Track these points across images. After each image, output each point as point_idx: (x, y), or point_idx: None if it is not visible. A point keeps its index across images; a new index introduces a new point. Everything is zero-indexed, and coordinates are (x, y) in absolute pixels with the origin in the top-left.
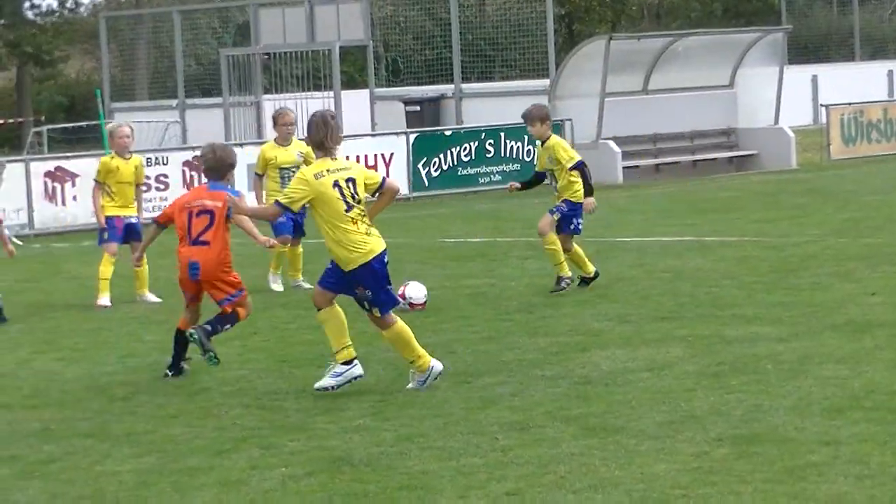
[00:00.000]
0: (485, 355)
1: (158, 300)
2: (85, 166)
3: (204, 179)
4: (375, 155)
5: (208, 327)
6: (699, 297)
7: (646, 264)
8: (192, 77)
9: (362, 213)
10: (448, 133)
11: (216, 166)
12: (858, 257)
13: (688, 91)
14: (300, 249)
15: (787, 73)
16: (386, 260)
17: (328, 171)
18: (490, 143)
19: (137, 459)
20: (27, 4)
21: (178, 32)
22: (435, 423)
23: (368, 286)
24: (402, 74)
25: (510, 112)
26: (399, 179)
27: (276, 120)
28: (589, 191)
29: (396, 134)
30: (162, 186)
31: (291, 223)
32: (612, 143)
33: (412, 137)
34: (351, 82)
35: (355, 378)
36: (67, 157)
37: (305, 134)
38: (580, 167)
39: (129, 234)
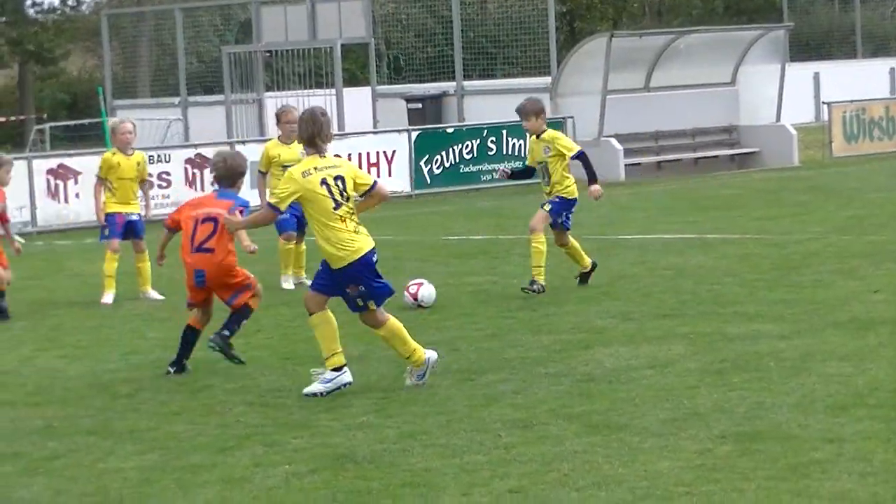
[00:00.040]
0: (488, 353)
1: (161, 297)
2: (87, 164)
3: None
4: (377, 152)
5: (226, 332)
6: (701, 295)
7: (647, 262)
8: (194, 74)
9: (351, 212)
10: (450, 131)
11: (227, 174)
12: (862, 255)
13: (689, 88)
14: (304, 247)
15: (789, 70)
16: (375, 259)
17: (316, 168)
18: (492, 141)
19: (140, 456)
20: (29, 2)
21: (179, 30)
22: (438, 421)
23: (361, 282)
24: (403, 72)
25: (512, 109)
26: (401, 177)
27: (280, 118)
28: (593, 178)
29: (398, 131)
30: (164, 184)
31: (295, 220)
32: (613, 141)
33: (414, 135)
34: (353, 80)
35: (345, 385)
36: (70, 155)
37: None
38: (583, 155)
39: (130, 231)
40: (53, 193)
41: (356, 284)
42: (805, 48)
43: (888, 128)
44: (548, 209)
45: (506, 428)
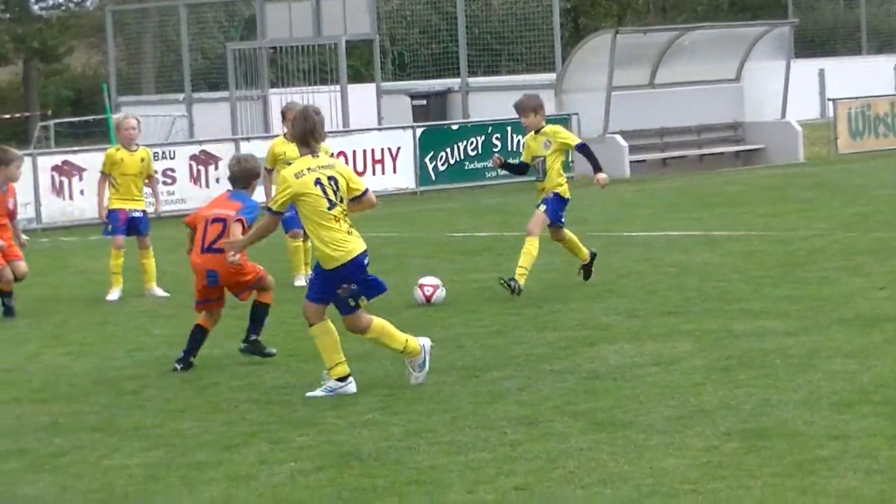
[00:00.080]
0: (493, 350)
1: (166, 294)
2: (92, 160)
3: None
4: (382, 149)
5: (253, 337)
6: (706, 292)
7: (653, 259)
8: (199, 71)
9: (345, 212)
10: (455, 127)
11: (241, 176)
12: (867, 251)
13: (694, 85)
14: (309, 244)
15: (794, 66)
16: (366, 262)
17: (309, 169)
18: (497, 137)
19: (146, 453)
20: None
21: (184, 26)
22: (443, 418)
23: (353, 280)
24: (408, 68)
25: None
26: (406, 174)
27: (286, 115)
28: (598, 167)
29: (403, 128)
30: (169, 181)
31: (300, 217)
32: (618, 138)
33: (419, 131)
34: (357, 76)
35: (349, 394)
36: (74, 152)
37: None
38: (584, 146)
39: (133, 227)
40: (58, 190)
41: (348, 284)
42: (810, 44)
43: (893, 124)
44: (544, 210)
45: (511, 425)
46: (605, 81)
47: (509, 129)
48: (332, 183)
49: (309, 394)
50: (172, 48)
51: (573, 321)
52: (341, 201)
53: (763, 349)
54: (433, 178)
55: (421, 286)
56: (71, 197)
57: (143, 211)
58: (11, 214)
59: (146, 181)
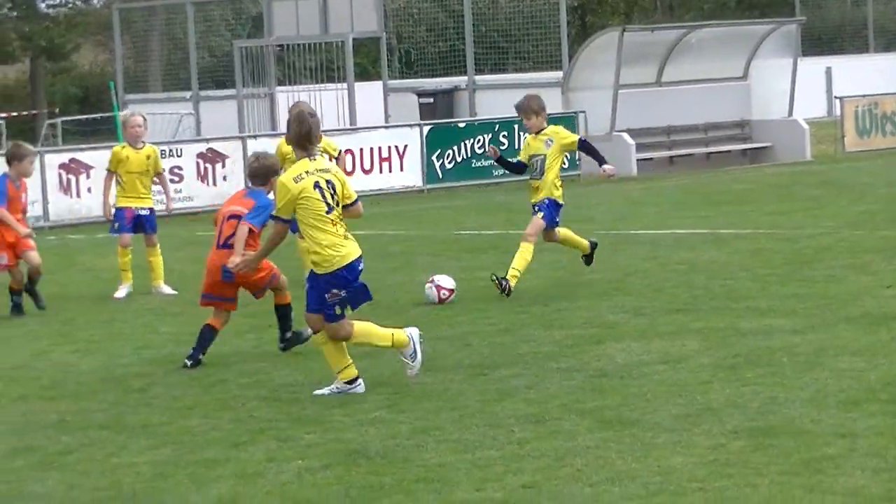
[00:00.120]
0: (500, 347)
1: (174, 292)
2: (99, 158)
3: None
4: (389, 147)
5: (287, 335)
6: (713, 290)
7: (660, 257)
8: (206, 69)
9: (340, 217)
10: (462, 125)
11: (260, 172)
12: (874, 250)
13: (701, 83)
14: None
15: (801, 64)
16: (360, 268)
17: (307, 172)
18: (504, 135)
19: (154, 451)
20: None
21: (191, 24)
22: (451, 416)
23: (345, 286)
24: (415, 66)
25: None
26: (413, 171)
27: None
28: (602, 159)
29: (410, 126)
30: (176, 178)
31: None
32: (625, 136)
33: (426, 129)
34: (364, 74)
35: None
36: (82, 149)
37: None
38: (584, 142)
39: (140, 225)
40: (65, 188)
41: (339, 289)
42: (817, 42)
43: None
44: (541, 216)
45: (518, 423)
46: (612, 79)
47: (516, 126)
48: (331, 187)
49: (317, 392)
50: (179, 46)
51: (580, 319)
52: (338, 205)
53: (770, 347)
54: (440, 175)
55: (438, 287)
56: (78, 195)
57: (150, 209)
58: (24, 209)
59: (155, 178)
